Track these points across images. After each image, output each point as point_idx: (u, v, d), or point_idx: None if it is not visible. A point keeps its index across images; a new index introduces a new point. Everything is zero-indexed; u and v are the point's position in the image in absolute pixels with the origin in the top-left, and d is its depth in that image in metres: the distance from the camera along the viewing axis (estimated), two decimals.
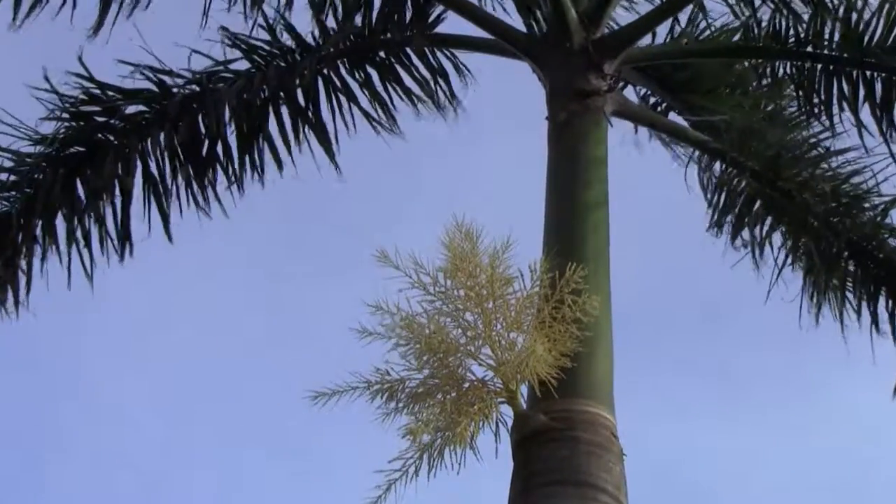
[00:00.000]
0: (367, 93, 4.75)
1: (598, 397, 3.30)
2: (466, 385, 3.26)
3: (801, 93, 4.96)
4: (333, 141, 4.71)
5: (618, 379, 3.43)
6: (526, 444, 3.22)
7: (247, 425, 7.69)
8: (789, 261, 5.06)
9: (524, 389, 3.31)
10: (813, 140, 4.91)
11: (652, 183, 5.44)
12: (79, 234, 4.62)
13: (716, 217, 5.05)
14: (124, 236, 4.65)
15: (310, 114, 4.71)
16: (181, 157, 4.69)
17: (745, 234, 5.05)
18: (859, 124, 4.78)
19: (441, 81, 4.77)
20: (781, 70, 5.02)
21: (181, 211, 4.69)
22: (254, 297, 7.65)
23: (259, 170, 4.71)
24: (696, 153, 4.95)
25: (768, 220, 4.96)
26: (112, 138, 4.67)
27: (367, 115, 4.72)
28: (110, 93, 4.68)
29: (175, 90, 4.69)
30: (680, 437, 7.58)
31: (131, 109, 4.72)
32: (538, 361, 3.17)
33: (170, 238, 4.66)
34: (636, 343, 3.66)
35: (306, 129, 4.71)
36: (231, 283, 7.60)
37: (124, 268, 4.66)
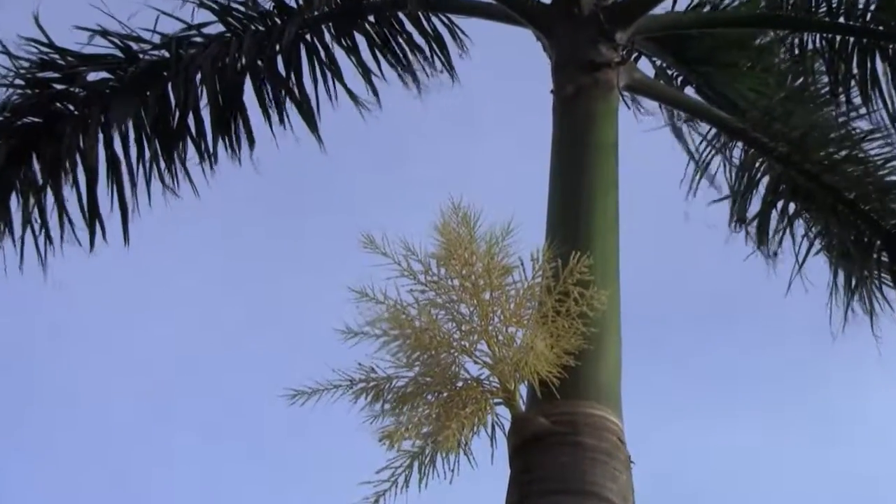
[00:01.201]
0: (354, 61, 4.71)
1: (605, 399, 3.29)
2: (460, 384, 3.24)
3: (831, 69, 4.97)
4: (317, 114, 4.66)
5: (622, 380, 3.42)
6: (524, 449, 3.21)
7: (224, 424, 7.70)
8: (812, 252, 5.08)
9: (523, 390, 3.29)
10: (843, 120, 4.92)
11: (658, 165, 5.43)
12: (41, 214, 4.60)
13: (737, 205, 5.07)
14: (92, 218, 4.61)
15: (292, 84, 4.67)
16: (148, 129, 4.65)
17: (753, 224, 5.09)
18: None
19: (437, 50, 4.75)
20: (810, 43, 5.00)
21: (149, 191, 4.66)
22: (229, 284, 7.63)
23: (235, 145, 4.67)
24: (716, 133, 4.96)
25: (790, 208, 4.97)
26: (72, 108, 4.63)
27: (350, 92, 4.69)
28: (70, 58, 4.65)
29: (141, 56, 4.65)
30: (684, 440, 7.62)
31: (93, 77, 4.68)
32: (539, 359, 3.17)
33: (124, 227, 4.61)
34: (638, 341, 3.66)
35: (287, 101, 4.67)
36: (205, 269, 7.58)
37: (82, 252, 4.65)
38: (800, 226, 5.10)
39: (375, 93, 4.69)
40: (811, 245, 5.04)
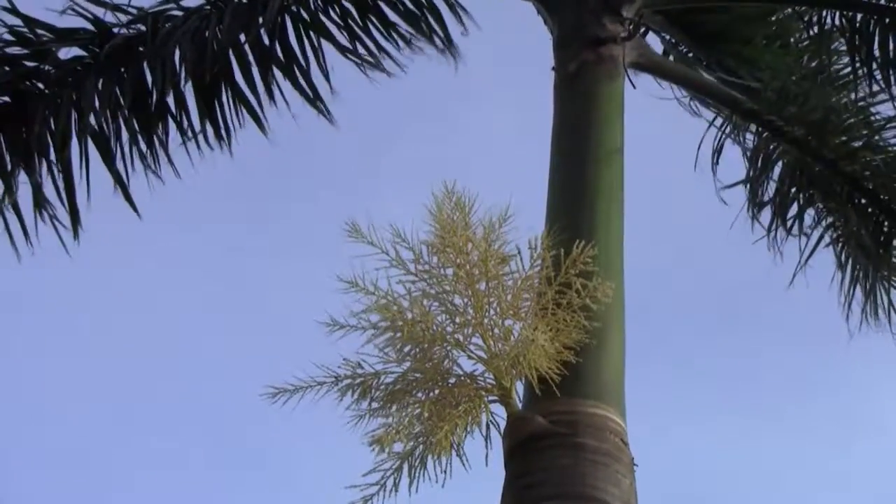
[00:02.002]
0: (345, 34, 4.66)
1: (608, 398, 3.27)
2: (452, 381, 3.23)
3: (851, 49, 4.93)
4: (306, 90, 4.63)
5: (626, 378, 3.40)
6: (521, 450, 3.18)
7: (195, 426, 7.67)
8: (824, 244, 5.09)
9: (520, 387, 3.27)
10: (863, 104, 4.90)
11: (667, 148, 5.41)
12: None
13: (750, 193, 5.05)
14: (71, 206, 4.58)
15: (278, 53, 4.63)
16: (125, 109, 4.61)
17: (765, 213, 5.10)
18: None
19: (432, 20, 4.71)
20: (830, 20, 4.97)
21: (127, 174, 4.63)
22: (202, 275, 7.60)
23: (221, 126, 4.66)
24: (729, 115, 4.94)
25: (801, 197, 4.99)
26: (43, 87, 4.59)
27: (353, 53, 4.63)
28: (41, 32, 4.61)
29: (116, 30, 4.60)
30: (692, 443, 7.63)
31: (66, 54, 4.64)
32: (537, 354, 3.14)
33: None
34: (642, 337, 3.65)
35: (272, 78, 4.63)
36: (175, 259, 7.54)
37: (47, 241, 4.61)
38: (809, 218, 5.13)
39: (367, 62, 4.65)
40: (821, 238, 5.04)
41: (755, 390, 7.76)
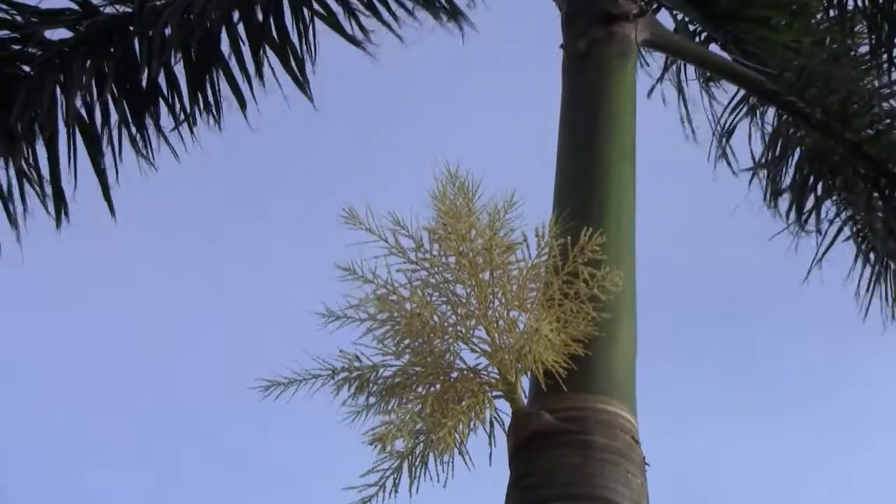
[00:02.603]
0: (343, 8, 4.64)
1: (618, 394, 3.24)
2: (455, 375, 3.20)
3: (873, 30, 4.91)
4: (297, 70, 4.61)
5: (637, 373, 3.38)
6: (526, 448, 3.17)
7: (179, 421, 7.65)
8: (843, 237, 5.09)
9: (526, 382, 3.26)
10: (887, 92, 4.88)
11: (680, 132, 5.39)
12: None
13: (767, 179, 5.03)
14: (57, 194, 4.58)
15: (273, 33, 4.62)
16: (114, 91, 4.61)
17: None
18: None
19: None
20: (852, 1, 4.97)
21: (115, 159, 4.63)
22: (190, 263, 7.57)
23: (213, 107, 4.65)
24: (744, 96, 4.91)
25: (819, 187, 4.98)
26: (28, 70, 4.59)
27: (349, 36, 4.62)
28: (27, 15, 4.58)
29: (104, 9, 4.60)
30: (705, 442, 7.62)
31: (52, 35, 4.64)
32: (544, 347, 3.12)
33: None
34: (652, 332, 3.65)
35: (265, 58, 4.62)
36: (162, 246, 7.51)
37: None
38: (825, 210, 5.12)
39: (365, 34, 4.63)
40: (839, 231, 5.04)
41: (770, 387, 7.76)
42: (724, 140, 5.14)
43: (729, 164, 5.15)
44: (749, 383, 7.65)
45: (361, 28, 4.65)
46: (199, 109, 4.71)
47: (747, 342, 7.66)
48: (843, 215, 5.16)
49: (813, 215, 5.15)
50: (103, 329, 7.78)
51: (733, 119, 5.16)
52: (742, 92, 5.10)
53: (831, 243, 5.18)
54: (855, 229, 5.19)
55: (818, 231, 5.16)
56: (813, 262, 5.12)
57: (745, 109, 5.16)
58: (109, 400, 7.79)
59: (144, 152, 4.66)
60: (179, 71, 4.70)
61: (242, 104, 4.66)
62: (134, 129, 4.65)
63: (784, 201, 5.21)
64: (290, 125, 4.67)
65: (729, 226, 5.14)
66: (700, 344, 7.66)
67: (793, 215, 5.17)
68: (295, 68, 4.65)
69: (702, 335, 7.72)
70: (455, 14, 4.65)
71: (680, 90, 5.19)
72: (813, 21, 4.97)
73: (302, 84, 4.63)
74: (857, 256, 5.25)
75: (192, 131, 4.69)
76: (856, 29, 5.03)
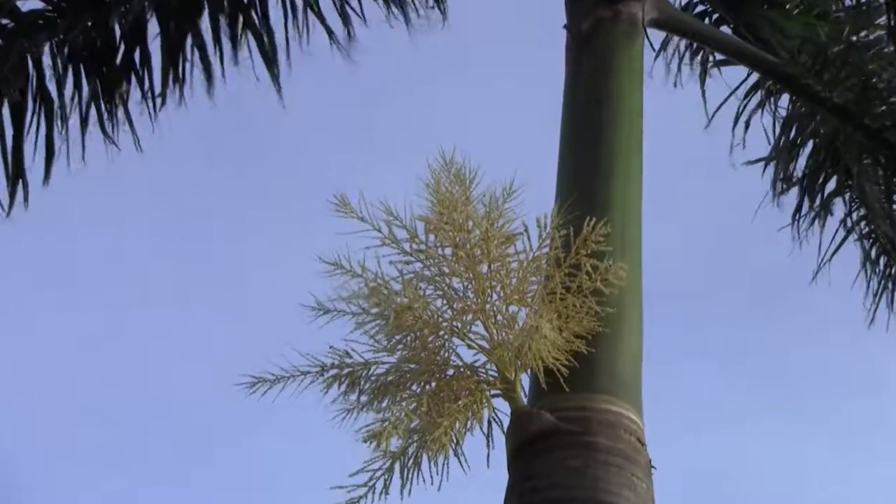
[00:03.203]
0: None
1: (622, 393, 3.23)
2: (451, 373, 3.19)
3: (893, 16, 4.89)
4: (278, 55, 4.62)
5: (645, 371, 3.38)
6: (526, 450, 3.15)
7: (157, 421, 7.63)
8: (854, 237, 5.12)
9: (525, 380, 3.25)
10: None
11: (691, 116, 5.37)
12: None
13: (780, 166, 5.01)
14: (15, 173, 4.55)
15: (254, 13, 4.61)
16: (86, 66, 4.59)
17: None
18: None
19: None
20: None
21: (83, 139, 4.60)
22: (168, 253, 7.53)
23: (187, 85, 4.65)
24: (762, 80, 4.89)
25: (836, 180, 4.99)
26: None
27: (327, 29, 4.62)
28: None
29: None
30: (720, 445, 7.62)
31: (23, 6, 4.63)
32: (544, 343, 3.10)
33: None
34: (665, 328, 3.63)
35: (247, 34, 4.62)
36: (137, 234, 7.48)
37: None
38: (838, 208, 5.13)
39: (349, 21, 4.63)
40: (851, 230, 5.07)
41: (788, 386, 7.76)
42: (735, 126, 5.13)
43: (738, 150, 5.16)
44: (766, 381, 7.66)
45: (344, 18, 4.65)
46: (179, 85, 4.68)
47: (764, 338, 7.66)
48: (856, 214, 5.17)
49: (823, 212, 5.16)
50: (77, 325, 7.76)
51: (744, 104, 5.17)
52: (752, 80, 5.12)
53: (842, 242, 5.22)
54: (866, 230, 5.21)
55: (821, 224, 5.17)
56: (821, 261, 5.18)
57: (757, 95, 5.14)
58: (83, 399, 7.78)
59: (112, 133, 4.65)
60: (154, 51, 4.70)
61: (210, 80, 4.64)
62: (104, 108, 4.64)
63: (789, 195, 5.24)
64: (279, 109, 4.64)
65: (748, 215, 5.13)
66: (716, 338, 7.66)
67: (804, 208, 5.20)
68: (268, 50, 4.64)
69: (718, 331, 7.73)
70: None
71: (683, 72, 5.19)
72: (831, 10, 4.96)
73: (272, 68, 4.61)
74: (866, 259, 5.28)
75: (163, 104, 4.67)
76: (876, 22, 5.02)
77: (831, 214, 5.23)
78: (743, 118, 5.14)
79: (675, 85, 5.17)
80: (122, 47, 4.61)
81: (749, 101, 5.17)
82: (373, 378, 3.22)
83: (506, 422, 3.22)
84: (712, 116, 5.15)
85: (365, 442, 3.12)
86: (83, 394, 7.75)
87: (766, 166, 5.20)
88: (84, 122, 4.64)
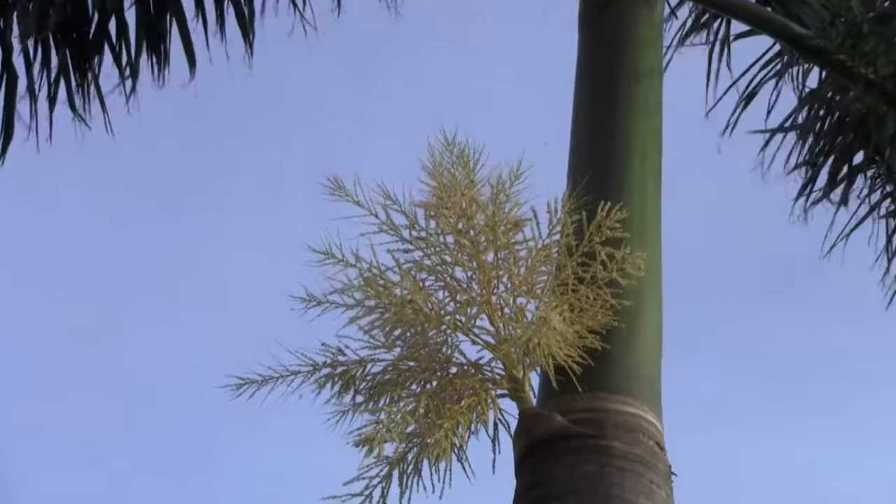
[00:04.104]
0: None
1: (640, 393, 3.21)
2: (453, 371, 3.18)
3: None
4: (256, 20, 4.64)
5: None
6: (535, 455, 3.14)
7: (134, 423, 7.62)
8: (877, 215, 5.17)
9: (535, 379, 3.23)
10: None
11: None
12: None
13: (806, 147, 5.02)
14: None
15: None
16: (55, 39, 4.57)
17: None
18: None
19: None
20: None
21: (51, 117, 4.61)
22: (142, 236, 7.51)
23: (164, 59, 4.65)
24: (790, 51, 4.87)
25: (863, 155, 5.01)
26: None
27: None
28: None
29: None
30: (736, 445, 7.60)
31: None
32: (555, 339, 3.09)
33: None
34: (678, 320, 3.64)
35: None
36: (107, 218, 7.44)
37: None
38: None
39: None
40: (874, 208, 5.13)
41: (812, 381, 7.77)
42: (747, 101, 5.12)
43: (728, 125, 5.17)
44: (792, 376, 7.68)
45: None
46: (157, 59, 4.67)
47: (789, 329, 7.68)
48: (882, 190, 5.21)
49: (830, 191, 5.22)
50: (47, 319, 7.75)
51: (764, 76, 5.19)
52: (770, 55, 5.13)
53: (863, 219, 5.29)
54: (893, 207, 5.26)
55: (844, 204, 5.19)
56: (837, 238, 5.26)
57: (782, 65, 5.15)
58: (58, 397, 7.77)
59: (82, 110, 4.63)
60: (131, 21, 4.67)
61: (192, 63, 4.65)
62: (74, 83, 4.64)
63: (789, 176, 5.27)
64: (264, 83, 4.62)
65: (770, 200, 5.13)
66: (735, 331, 7.68)
67: (817, 186, 5.24)
68: (247, 16, 4.64)
69: (736, 321, 7.74)
70: None
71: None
72: None
73: (247, 34, 4.63)
74: (890, 238, 5.31)
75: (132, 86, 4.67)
76: None
77: (845, 202, 5.24)
78: (762, 93, 5.18)
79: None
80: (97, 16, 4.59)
81: (769, 73, 5.19)
82: (369, 377, 3.21)
83: (513, 424, 3.20)
84: (723, 94, 5.17)
85: (357, 447, 3.10)
86: (52, 391, 7.76)
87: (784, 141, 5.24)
88: (52, 98, 4.62)
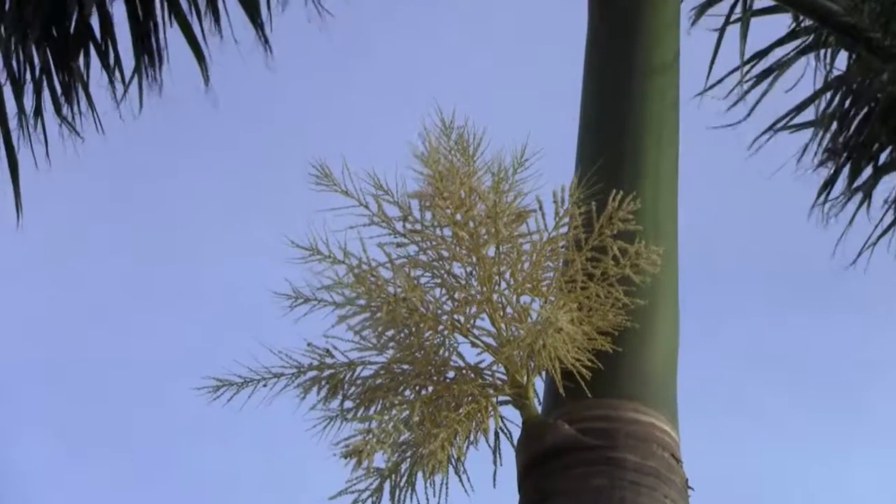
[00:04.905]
0: None
1: (655, 400, 3.20)
2: (451, 375, 3.18)
3: None
4: None
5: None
6: (540, 467, 3.13)
7: (102, 429, 7.64)
8: None
9: (540, 384, 3.24)
10: None
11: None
12: None
13: (818, 133, 5.06)
14: None
15: None
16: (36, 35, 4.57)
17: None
18: None
19: None
20: None
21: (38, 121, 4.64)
22: (113, 233, 7.51)
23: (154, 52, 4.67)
24: (817, 28, 4.87)
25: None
26: None
27: None
28: None
29: None
30: (760, 457, 7.60)
31: None
32: (562, 341, 3.08)
33: None
34: (692, 320, 3.65)
35: None
36: (74, 212, 7.43)
37: None
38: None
39: None
40: None
41: (837, 383, 7.78)
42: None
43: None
44: (819, 382, 7.70)
45: None
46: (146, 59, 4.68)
47: (814, 329, 7.71)
48: None
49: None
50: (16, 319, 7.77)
51: (786, 56, 5.21)
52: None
53: (892, 224, 5.37)
54: None
55: (864, 203, 5.29)
56: (865, 244, 5.32)
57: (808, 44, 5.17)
58: (16, 400, 7.81)
59: (67, 112, 4.66)
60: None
61: (199, 55, 4.67)
62: (57, 83, 4.65)
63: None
64: (240, 56, 4.61)
65: (795, 189, 5.14)
66: (756, 330, 7.71)
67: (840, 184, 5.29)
68: None
69: (758, 320, 7.77)
70: None
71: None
72: None
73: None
74: None
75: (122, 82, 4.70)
76: None
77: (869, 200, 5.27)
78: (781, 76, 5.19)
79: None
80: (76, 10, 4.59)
81: (790, 53, 5.20)
82: (359, 381, 3.22)
83: (516, 434, 3.20)
84: (742, 74, 5.17)
85: (345, 458, 3.10)
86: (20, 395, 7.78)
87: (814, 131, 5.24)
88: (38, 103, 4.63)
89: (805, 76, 5.27)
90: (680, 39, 3.90)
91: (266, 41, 4.69)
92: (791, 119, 5.33)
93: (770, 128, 5.26)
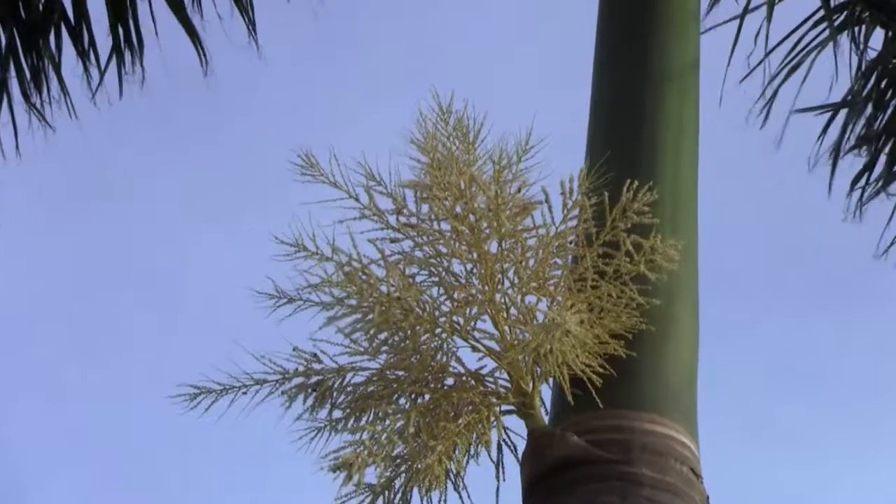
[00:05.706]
0: None
1: (672, 410, 3.19)
2: (450, 382, 3.17)
3: None
4: None
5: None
6: (547, 482, 3.11)
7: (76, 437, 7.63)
8: None
9: (547, 392, 3.22)
10: None
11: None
12: None
13: (850, 121, 5.08)
14: None
15: None
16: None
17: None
18: None
19: None
20: None
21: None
22: (78, 229, 7.52)
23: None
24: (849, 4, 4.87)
25: None
26: None
27: None
28: None
29: None
30: (787, 469, 7.60)
31: None
32: (571, 345, 3.05)
33: None
34: (716, 321, 3.65)
35: None
36: (41, 206, 7.44)
37: None
38: None
39: None
40: None
41: (865, 393, 7.79)
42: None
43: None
44: (854, 390, 7.72)
45: None
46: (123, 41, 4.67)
47: (846, 340, 7.73)
48: None
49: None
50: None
51: (815, 38, 5.20)
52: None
53: None
54: None
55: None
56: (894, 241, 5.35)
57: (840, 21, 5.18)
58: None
59: (35, 98, 4.66)
60: None
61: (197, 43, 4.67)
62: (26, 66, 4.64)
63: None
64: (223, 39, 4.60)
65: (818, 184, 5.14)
66: (778, 336, 7.72)
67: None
68: None
69: (781, 324, 7.78)
70: None
71: None
72: None
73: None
74: None
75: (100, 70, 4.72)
76: None
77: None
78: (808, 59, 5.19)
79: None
80: None
81: (820, 33, 5.19)
82: (349, 389, 3.22)
83: (521, 446, 3.19)
84: (768, 53, 5.18)
85: (333, 472, 3.08)
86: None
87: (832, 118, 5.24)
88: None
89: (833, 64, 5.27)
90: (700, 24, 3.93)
91: (251, 24, 4.66)
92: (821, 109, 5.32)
93: (799, 110, 5.23)
